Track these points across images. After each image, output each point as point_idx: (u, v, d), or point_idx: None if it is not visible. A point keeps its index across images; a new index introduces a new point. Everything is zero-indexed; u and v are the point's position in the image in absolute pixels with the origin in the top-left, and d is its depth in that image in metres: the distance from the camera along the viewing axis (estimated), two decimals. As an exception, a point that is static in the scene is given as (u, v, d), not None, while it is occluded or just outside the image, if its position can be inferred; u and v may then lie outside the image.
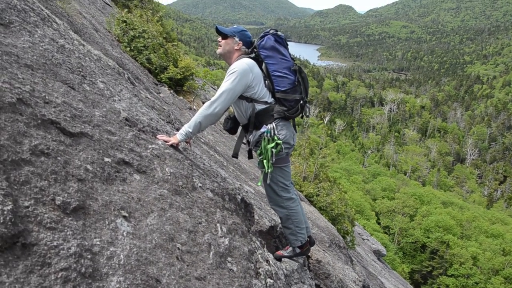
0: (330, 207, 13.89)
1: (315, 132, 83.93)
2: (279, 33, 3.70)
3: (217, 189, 3.28)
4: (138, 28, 10.66)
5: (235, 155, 3.81)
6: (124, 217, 2.04)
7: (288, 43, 3.86)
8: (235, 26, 3.72)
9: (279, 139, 3.54)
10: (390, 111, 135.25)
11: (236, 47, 3.61)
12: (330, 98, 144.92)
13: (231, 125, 3.90)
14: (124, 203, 2.11)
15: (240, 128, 3.98)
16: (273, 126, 3.54)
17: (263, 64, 3.60)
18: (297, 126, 4.01)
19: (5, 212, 1.44)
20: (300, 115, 3.76)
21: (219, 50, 3.67)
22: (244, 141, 3.91)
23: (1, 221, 1.40)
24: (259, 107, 3.57)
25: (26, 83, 2.16)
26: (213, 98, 3.36)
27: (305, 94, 3.72)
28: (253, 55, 3.65)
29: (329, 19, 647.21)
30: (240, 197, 3.69)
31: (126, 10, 12.46)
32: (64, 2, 6.73)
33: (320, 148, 19.08)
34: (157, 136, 3.14)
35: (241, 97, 3.52)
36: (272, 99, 3.63)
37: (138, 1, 15.60)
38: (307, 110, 3.77)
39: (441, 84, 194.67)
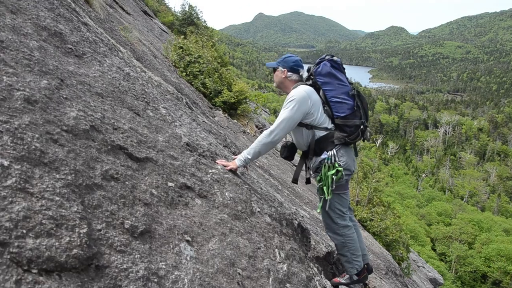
0: (385, 233, 13.49)
1: (367, 155, 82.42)
2: (335, 58, 3.70)
3: (275, 214, 3.29)
4: (194, 54, 10.99)
5: (295, 181, 3.81)
6: (187, 241, 2.08)
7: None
8: (284, 55, 3.82)
9: (339, 166, 3.49)
10: (445, 134, 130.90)
11: (283, 76, 3.70)
12: (382, 121, 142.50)
13: (288, 152, 3.90)
14: (187, 228, 2.15)
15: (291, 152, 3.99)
16: (333, 153, 3.50)
17: (321, 91, 3.60)
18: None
19: (81, 235, 1.51)
20: (361, 139, 3.72)
21: (274, 84, 3.84)
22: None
23: (78, 243, 1.47)
24: (319, 133, 3.56)
25: (97, 111, 2.28)
26: (272, 127, 3.39)
27: (365, 118, 3.67)
28: (310, 82, 3.68)
29: (381, 41, 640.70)
30: (296, 222, 3.67)
31: (182, 36, 12.89)
32: (127, 31, 7.07)
33: (373, 172, 18.65)
34: (217, 161, 3.20)
35: (300, 124, 3.52)
36: (332, 125, 3.61)
37: (194, 27, 16.14)
38: (368, 134, 3.72)
39: (501, 106, 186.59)
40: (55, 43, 2.58)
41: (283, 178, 7.76)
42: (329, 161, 3.49)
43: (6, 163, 1.47)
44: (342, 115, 3.56)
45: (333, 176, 3.47)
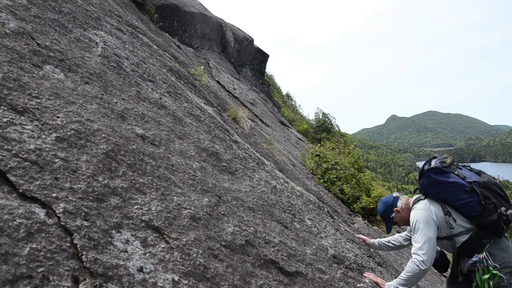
0: None
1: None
2: (433, 164, 3.41)
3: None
4: (331, 161, 11.20)
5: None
6: None
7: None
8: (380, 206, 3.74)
9: (495, 268, 3.07)
10: None
11: (401, 214, 3.53)
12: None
13: (441, 261, 3.58)
14: None
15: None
16: (485, 256, 3.10)
17: (440, 202, 3.34)
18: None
19: None
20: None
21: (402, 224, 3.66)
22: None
23: None
24: (461, 239, 3.23)
25: (250, 225, 2.41)
26: (418, 258, 3.06)
27: (503, 204, 3.22)
28: (423, 197, 3.41)
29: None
30: None
31: (318, 144, 13.30)
32: (268, 143, 7.54)
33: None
34: (364, 274, 3.08)
35: (438, 238, 3.25)
36: (471, 225, 3.25)
37: (330, 135, 16.64)
38: None
39: None
40: (212, 162, 2.86)
41: (427, 279, 7.11)
42: (481, 265, 3.10)
43: (176, 278, 1.60)
44: (475, 215, 3.18)
45: (490, 281, 3.05)
